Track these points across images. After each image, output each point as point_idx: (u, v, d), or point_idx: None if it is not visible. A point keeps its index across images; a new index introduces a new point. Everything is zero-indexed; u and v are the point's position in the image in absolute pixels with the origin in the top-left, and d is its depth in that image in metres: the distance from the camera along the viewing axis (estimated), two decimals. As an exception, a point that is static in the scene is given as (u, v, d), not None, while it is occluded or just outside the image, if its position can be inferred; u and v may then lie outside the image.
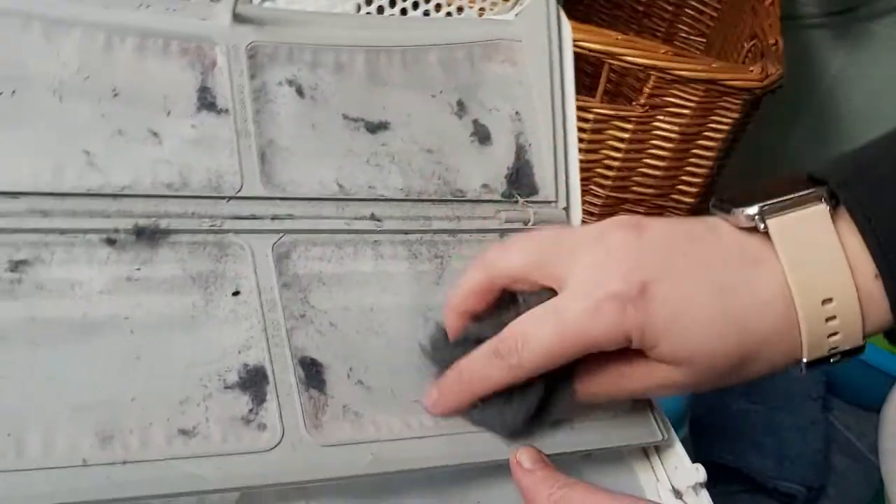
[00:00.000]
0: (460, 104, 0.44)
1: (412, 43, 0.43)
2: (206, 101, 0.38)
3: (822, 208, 0.32)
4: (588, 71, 1.00)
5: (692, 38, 1.03)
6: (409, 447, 0.33)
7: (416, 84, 0.43)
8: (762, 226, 0.32)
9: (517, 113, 0.44)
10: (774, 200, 0.32)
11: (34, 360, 0.30)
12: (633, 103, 0.73)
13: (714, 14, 1.00)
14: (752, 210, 0.32)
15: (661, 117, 0.72)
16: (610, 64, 0.69)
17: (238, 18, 0.39)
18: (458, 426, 0.35)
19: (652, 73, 0.68)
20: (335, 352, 0.35)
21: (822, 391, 1.09)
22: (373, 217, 0.39)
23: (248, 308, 0.34)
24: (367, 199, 0.40)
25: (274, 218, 0.37)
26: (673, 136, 0.73)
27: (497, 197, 0.42)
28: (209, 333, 0.33)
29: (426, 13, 0.49)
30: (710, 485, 0.38)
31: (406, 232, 0.40)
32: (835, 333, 0.32)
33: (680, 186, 0.77)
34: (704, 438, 0.92)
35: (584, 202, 0.80)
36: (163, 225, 0.35)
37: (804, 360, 0.32)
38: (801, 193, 0.32)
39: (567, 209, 0.44)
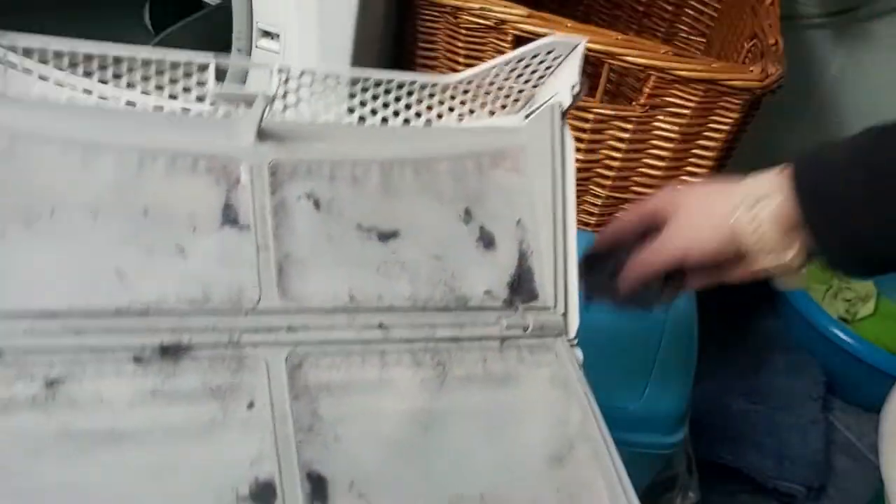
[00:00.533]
0: (467, 211, 0.46)
1: (424, 155, 0.45)
2: (230, 218, 0.40)
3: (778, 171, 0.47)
4: (588, 71, 1.01)
5: (692, 38, 1.03)
6: None
7: (426, 193, 0.45)
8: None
9: (520, 220, 0.47)
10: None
11: (65, 472, 0.32)
12: (633, 103, 0.73)
13: (714, 14, 1.00)
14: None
15: (661, 117, 0.72)
16: (610, 64, 0.69)
17: (261, 136, 0.41)
18: None
19: (652, 73, 0.68)
20: (339, 465, 0.37)
21: (823, 391, 1.09)
22: (381, 326, 0.41)
23: (261, 420, 0.36)
24: (377, 308, 0.42)
25: (289, 329, 0.39)
26: (673, 136, 0.73)
27: (499, 304, 0.45)
28: (224, 445, 0.36)
29: (439, 116, 0.50)
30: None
31: (411, 340, 0.42)
32: (757, 229, 0.46)
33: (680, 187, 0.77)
34: (704, 438, 0.92)
35: (583, 202, 0.80)
36: (185, 341, 0.37)
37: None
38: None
39: (566, 315, 0.46)
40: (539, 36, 0.69)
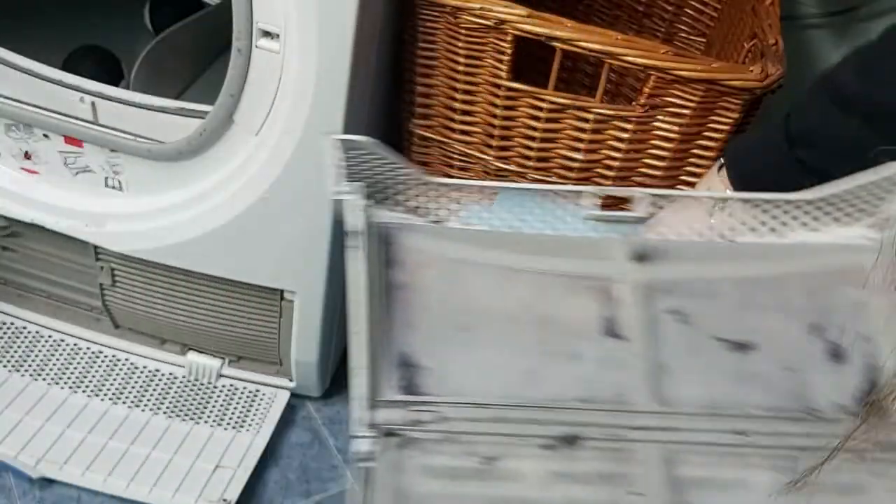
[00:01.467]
0: (816, 325, 0.49)
1: (776, 272, 0.50)
2: (610, 329, 0.48)
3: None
4: (588, 71, 1.01)
5: (692, 38, 1.03)
6: None
7: (777, 307, 0.49)
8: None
9: (869, 335, 0.49)
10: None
11: None
12: (633, 103, 0.73)
13: (714, 14, 0.99)
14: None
15: (661, 117, 0.72)
16: (610, 64, 0.69)
17: (635, 257, 0.51)
18: None
19: (652, 73, 0.68)
20: None
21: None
22: (739, 432, 0.46)
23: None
24: (735, 415, 0.46)
25: (664, 430, 0.45)
26: (673, 136, 0.73)
27: (848, 416, 0.47)
28: None
29: (783, 224, 0.55)
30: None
31: (767, 447, 0.46)
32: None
33: (680, 186, 0.77)
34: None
35: (584, 202, 0.80)
36: (580, 433, 0.45)
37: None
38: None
39: None
40: (539, 36, 0.69)
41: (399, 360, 0.47)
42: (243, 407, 0.93)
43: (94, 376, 0.92)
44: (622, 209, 0.62)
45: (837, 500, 0.44)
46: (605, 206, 0.79)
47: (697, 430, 0.46)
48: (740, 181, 0.57)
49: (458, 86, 0.76)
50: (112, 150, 0.78)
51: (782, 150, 0.55)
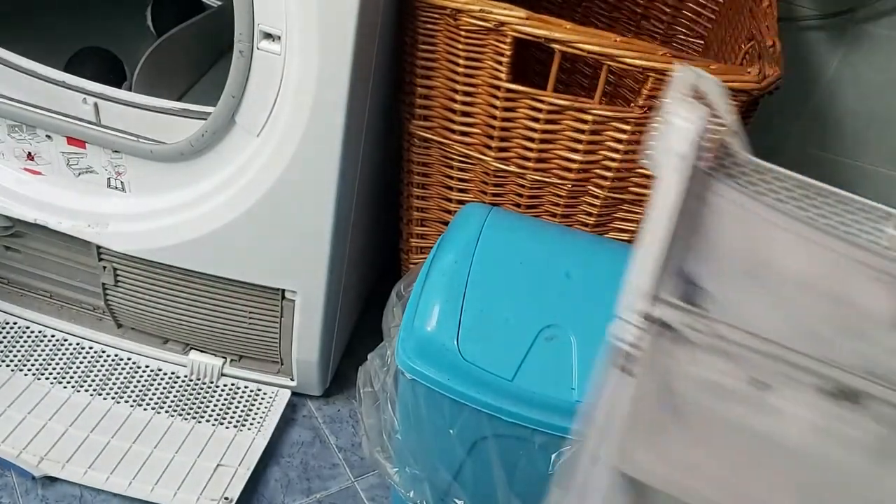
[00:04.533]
0: None
1: None
2: None
3: None
4: (587, 72, 1.01)
5: (690, 39, 1.04)
6: None
7: None
8: None
9: None
10: None
11: (758, 453, 0.42)
12: (632, 104, 0.73)
13: (712, 16, 1.00)
14: None
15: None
16: (608, 65, 0.69)
17: None
18: None
19: (650, 74, 0.69)
20: None
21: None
22: None
23: None
24: None
25: None
26: (671, 137, 0.73)
27: None
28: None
29: None
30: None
31: None
32: None
33: (678, 187, 0.77)
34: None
35: (582, 203, 0.81)
36: (866, 391, 0.43)
37: None
38: None
39: None
40: (538, 38, 0.70)
41: (683, 276, 0.47)
42: (245, 406, 0.93)
43: (96, 375, 0.93)
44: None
45: None
46: (603, 207, 0.80)
47: None
48: None
49: (458, 87, 0.77)
50: (114, 151, 0.78)
51: None
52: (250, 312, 0.88)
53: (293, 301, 0.85)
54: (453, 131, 0.80)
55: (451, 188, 0.86)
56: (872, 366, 0.46)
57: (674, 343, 0.44)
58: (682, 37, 1.04)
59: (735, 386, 0.43)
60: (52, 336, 0.96)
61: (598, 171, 0.77)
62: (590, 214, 0.81)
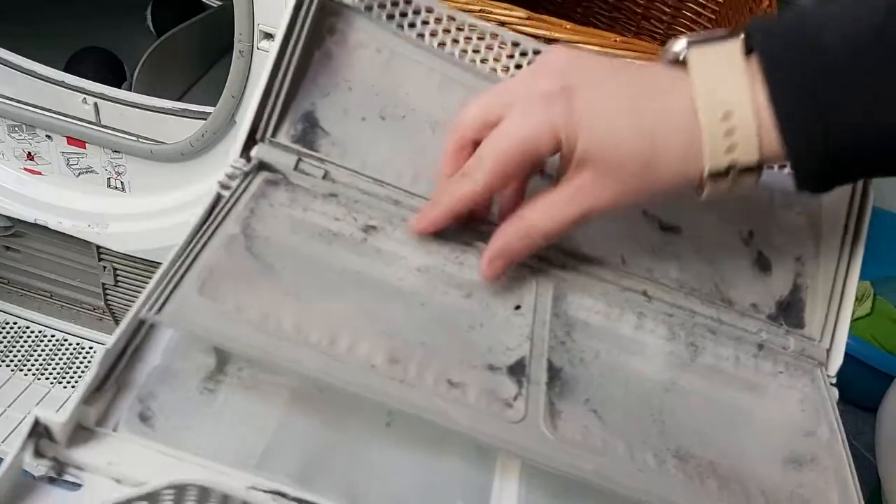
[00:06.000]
0: (750, 234, 0.48)
1: None
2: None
3: (737, 45, 0.35)
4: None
5: (690, 39, 1.04)
6: (628, 474, 0.35)
7: (713, 206, 0.47)
8: (682, 56, 0.35)
9: (800, 257, 0.48)
10: (701, 37, 0.36)
11: (358, 296, 0.38)
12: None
13: (712, 16, 1.00)
14: (680, 45, 0.36)
15: (660, 118, 0.72)
16: (608, 66, 0.69)
17: None
18: (682, 476, 0.36)
19: (650, 74, 0.69)
20: (579, 380, 0.39)
21: (820, 390, 1.09)
22: (645, 294, 0.45)
23: (524, 321, 0.40)
24: (644, 278, 0.45)
25: (562, 266, 0.44)
26: (671, 137, 0.73)
27: (763, 318, 0.46)
28: (488, 330, 0.39)
29: None
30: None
31: (670, 315, 0.44)
32: (732, 147, 0.34)
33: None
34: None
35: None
36: (474, 241, 0.43)
37: (705, 170, 0.35)
38: (722, 34, 0.36)
39: (829, 351, 0.46)
40: (538, 38, 0.70)
41: (304, 117, 0.44)
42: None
43: (96, 376, 0.93)
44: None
45: (734, 388, 0.43)
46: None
47: (599, 278, 0.44)
48: (787, 71, 0.33)
49: (458, 87, 0.76)
50: (114, 151, 0.78)
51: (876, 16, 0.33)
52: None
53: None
54: (453, 131, 0.80)
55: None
56: (493, 207, 0.45)
57: (280, 186, 0.42)
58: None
59: (344, 229, 0.41)
60: (52, 336, 0.96)
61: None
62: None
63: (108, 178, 0.81)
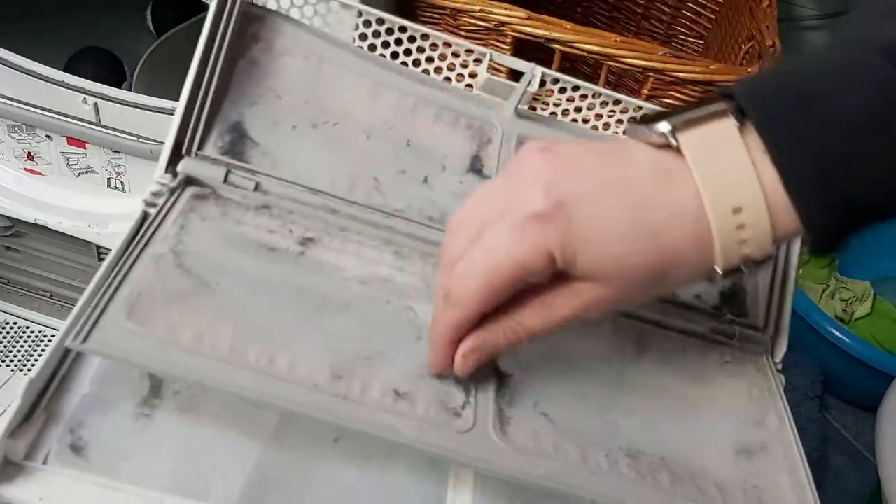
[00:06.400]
0: None
1: None
2: (475, 167, 0.47)
3: (730, 122, 0.32)
4: (587, 72, 1.01)
5: (690, 39, 1.04)
6: (580, 476, 0.35)
7: None
8: (674, 141, 0.32)
9: None
10: (685, 115, 0.33)
11: (298, 311, 0.37)
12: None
13: (712, 16, 1.00)
14: (664, 126, 0.33)
15: (660, 118, 0.72)
16: (608, 65, 0.69)
17: (518, 114, 0.50)
18: (635, 475, 0.36)
19: (650, 74, 0.69)
20: (528, 383, 0.39)
21: (820, 390, 1.09)
22: None
23: None
24: None
25: None
26: (671, 137, 0.73)
27: (707, 308, 0.46)
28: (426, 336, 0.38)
29: None
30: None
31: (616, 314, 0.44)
32: (745, 242, 0.33)
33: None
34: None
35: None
36: (418, 248, 0.43)
37: (719, 268, 0.33)
38: (710, 108, 0.33)
39: (773, 339, 0.47)
40: (538, 38, 0.70)
41: (231, 128, 0.43)
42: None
43: (96, 376, 0.93)
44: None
45: (682, 380, 0.42)
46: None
47: None
48: (793, 144, 0.31)
49: (458, 87, 0.77)
50: (114, 151, 0.78)
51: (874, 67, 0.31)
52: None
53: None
54: (453, 131, 0.80)
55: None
56: (436, 211, 0.44)
57: (209, 201, 0.41)
58: (682, 37, 1.04)
59: (280, 242, 0.40)
60: (52, 336, 0.96)
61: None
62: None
63: (108, 178, 0.81)
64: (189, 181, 0.41)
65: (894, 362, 1.04)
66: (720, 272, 0.34)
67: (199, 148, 0.42)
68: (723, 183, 0.32)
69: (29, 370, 0.92)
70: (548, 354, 0.41)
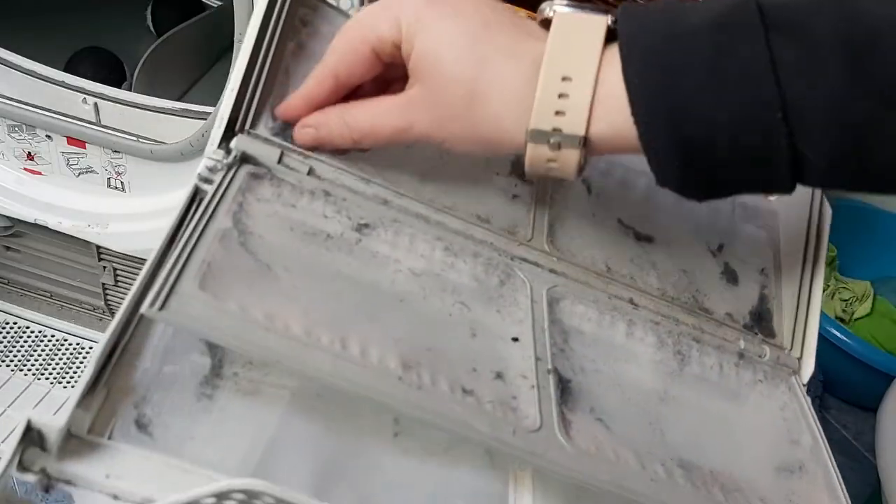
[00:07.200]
0: (719, 247, 0.49)
1: None
2: (518, 170, 0.47)
3: (603, 20, 0.34)
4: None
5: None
6: (644, 484, 0.35)
7: (684, 216, 0.49)
8: (551, 13, 0.35)
9: (763, 269, 0.50)
10: (575, 4, 0.35)
11: (357, 299, 0.37)
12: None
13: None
14: (559, 4, 0.35)
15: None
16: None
17: None
18: (690, 486, 0.36)
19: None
20: (582, 389, 0.39)
21: (820, 390, 1.09)
22: (631, 301, 0.45)
23: (523, 328, 0.40)
24: (629, 285, 0.45)
25: (552, 271, 0.44)
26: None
27: (739, 327, 0.47)
28: (489, 336, 0.38)
29: None
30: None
31: (657, 322, 0.44)
32: (562, 113, 0.34)
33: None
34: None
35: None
36: (469, 247, 0.43)
37: (529, 125, 0.35)
38: (599, 9, 0.35)
39: (800, 360, 0.47)
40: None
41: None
42: (244, 406, 0.93)
43: (96, 376, 0.93)
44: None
45: (719, 398, 0.43)
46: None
47: (588, 284, 0.44)
48: (650, 73, 0.32)
49: (458, 87, 0.76)
50: (114, 151, 0.78)
51: (751, 34, 0.31)
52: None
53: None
54: (453, 131, 0.80)
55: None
56: (486, 211, 0.45)
57: (265, 181, 0.40)
58: (681, 37, 1.04)
59: (337, 229, 0.39)
60: (52, 336, 0.96)
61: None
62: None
63: (108, 178, 0.81)
64: (244, 159, 0.40)
65: (894, 362, 1.04)
66: (529, 129, 0.35)
67: (252, 127, 0.41)
68: (567, 53, 0.34)
69: (29, 370, 0.92)
70: (597, 361, 0.41)
